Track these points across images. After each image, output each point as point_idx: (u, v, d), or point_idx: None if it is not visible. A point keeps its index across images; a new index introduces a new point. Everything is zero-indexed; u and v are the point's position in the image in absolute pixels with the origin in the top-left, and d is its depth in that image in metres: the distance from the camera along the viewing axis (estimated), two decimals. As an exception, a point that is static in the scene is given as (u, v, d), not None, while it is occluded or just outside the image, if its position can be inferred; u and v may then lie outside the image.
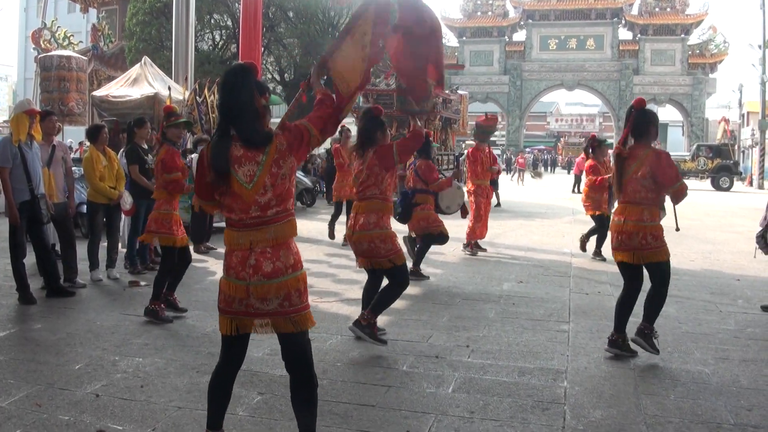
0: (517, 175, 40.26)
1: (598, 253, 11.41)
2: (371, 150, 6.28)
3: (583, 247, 11.62)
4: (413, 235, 9.84)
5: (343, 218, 11.39)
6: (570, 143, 75.89)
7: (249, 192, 3.61)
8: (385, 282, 6.45)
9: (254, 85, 3.68)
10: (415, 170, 9.50)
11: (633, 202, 5.85)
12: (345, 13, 30.59)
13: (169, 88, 13.78)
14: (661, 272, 5.92)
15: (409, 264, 8.25)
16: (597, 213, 11.23)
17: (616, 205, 6.16)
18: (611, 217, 6.44)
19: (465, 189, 11.23)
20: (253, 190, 3.60)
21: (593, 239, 11.48)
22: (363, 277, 9.47)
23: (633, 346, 6.01)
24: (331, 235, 12.62)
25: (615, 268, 10.01)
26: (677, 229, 6.19)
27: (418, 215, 9.31)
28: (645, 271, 6.01)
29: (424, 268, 9.79)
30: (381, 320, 7.13)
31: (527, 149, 62.28)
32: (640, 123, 5.82)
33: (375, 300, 6.29)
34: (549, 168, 64.51)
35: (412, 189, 9.41)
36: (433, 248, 10.12)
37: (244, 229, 3.64)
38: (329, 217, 12.90)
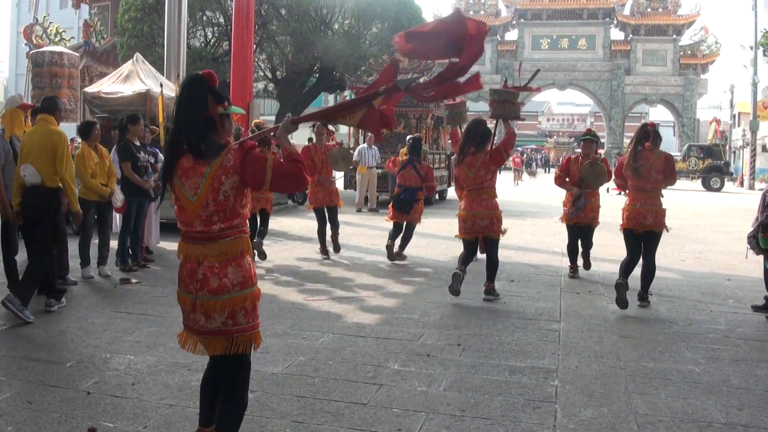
0: (513, 174, 40.00)
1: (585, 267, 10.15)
2: (484, 151, 8.19)
3: (586, 266, 10.11)
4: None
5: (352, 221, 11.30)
6: (560, 142, 75.99)
7: (193, 205, 3.53)
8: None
9: (209, 93, 3.54)
10: (416, 170, 10.87)
11: (648, 190, 7.85)
12: (338, 11, 30.57)
13: (161, 85, 13.70)
14: (658, 241, 8.03)
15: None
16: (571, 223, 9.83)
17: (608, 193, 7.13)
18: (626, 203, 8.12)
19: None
20: (196, 203, 3.52)
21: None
22: (354, 275, 9.57)
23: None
24: (324, 250, 11.27)
25: (606, 268, 10.16)
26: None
27: (416, 208, 10.89)
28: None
29: (416, 266, 9.97)
30: (370, 318, 7.17)
31: (518, 149, 62.33)
32: (658, 137, 7.98)
33: (489, 272, 8.38)
34: (544, 167, 64.26)
35: (413, 187, 10.82)
36: (427, 247, 11.15)
37: (191, 242, 3.60)
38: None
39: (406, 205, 10.70)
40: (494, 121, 8.71)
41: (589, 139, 9.73)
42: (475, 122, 8.41)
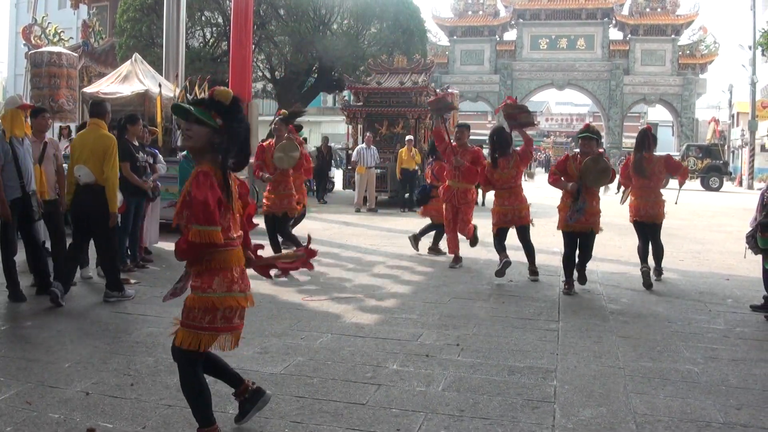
0: None
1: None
2: (510, 154, 9.43)
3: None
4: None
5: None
6: (558, 142, 75.94)
7: (235, 212, 4.03)
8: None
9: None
10: (431, 170, 11.86)
11: (654, 188, 9.19)
12: (336, 11, 30.56)
13: (160, 86, 13.73)
14: (660, 228, 9.36)
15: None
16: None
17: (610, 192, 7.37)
18: (629, 199, 9.48)
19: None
20: (236, 210, 4.04)
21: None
22: (352, 275, 9.55)
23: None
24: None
25: (604, 268, 10.17)
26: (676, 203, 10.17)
27: (432, 206, 11.43)
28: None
29: (415, 266, 10.02)
30: (369, 318, 7.16)
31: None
32: (655, 140, 9.24)
33: (529, 257, 9.71)
34: (545, 168, 62.57)
35: (430, 184, 11.77)
36: (424, 248, 11.31)
37: (237, 246, 4.02)
38: (318, 217, 12.85)
39: (421, 198, 11.89)
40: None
41: (588, 137, 8.66)
42: (497, 131, 9.65)
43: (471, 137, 13.25)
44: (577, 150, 9.06)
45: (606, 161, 8.69)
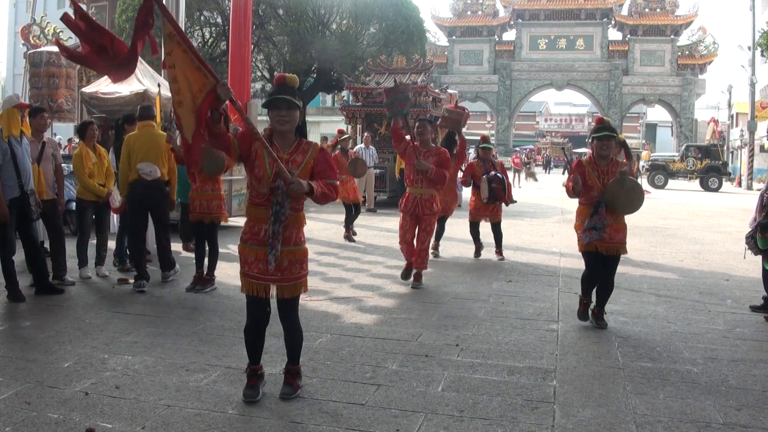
0: (515, 176, 36.40)
1: None
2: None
3: None
4: None
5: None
6: (554, 143, 76.01)
7: None
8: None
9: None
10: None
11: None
12: (335, 11, 30.57)
13: (159, 85, 13.69)
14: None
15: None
16: None
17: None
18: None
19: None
20: None
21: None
22: (352, 275, 9.55)
23: None
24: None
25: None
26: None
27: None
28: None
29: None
30: (368, 318, 7.15)
31: (517, 149, 62.31)
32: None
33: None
34: (546, 168, 61.67)
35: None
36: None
37: None
38: (318, 217, 12.82)
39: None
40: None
41: (607, 135, 6.87)
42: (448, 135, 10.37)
43: (467, 137, 13.15)
44: (586, 151, 7.70)
45: (633, 180, 6.98)
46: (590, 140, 7.04)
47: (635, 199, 6.76)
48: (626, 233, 7.00)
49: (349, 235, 13.29)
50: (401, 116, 8.89)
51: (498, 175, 11.27)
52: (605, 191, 6.71)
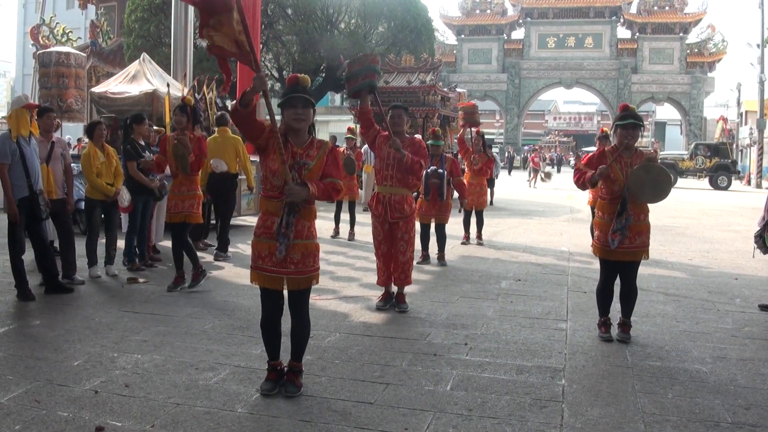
0: (531, 175, 35.82)
1: None
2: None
3: None
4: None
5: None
6: (561, 141, 75.87)
7: None
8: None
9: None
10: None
11: None
12: (344, 11, 30.57)
13: (168, 85, 13.73)
14: None
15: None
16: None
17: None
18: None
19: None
20: None
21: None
22: (361, 274, 9.56)
23: None
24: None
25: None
26: None
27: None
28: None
29: (423, 266, 10.16)
30: (377, 317, 7.16)
31: (526, 147, 62.12)
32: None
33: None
34: (556, 167, 60.55)
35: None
36: (433, 246, 10.96)
37: None
38: (326, 216, 12.81)
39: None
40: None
41: (633, 123, 6.25)
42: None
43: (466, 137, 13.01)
44: (604, 138, 7.25)
45: (661, 167, 6.28)
46: (613, 129, 6.49)
47: (663, 187, 6.20)
48: (649, 234, 6.50)
49: (351, 234, 13.39)
50: (367, 90, 7.23)
51: (438, 170, 10.34)
52: (629, 180, 6.15)
